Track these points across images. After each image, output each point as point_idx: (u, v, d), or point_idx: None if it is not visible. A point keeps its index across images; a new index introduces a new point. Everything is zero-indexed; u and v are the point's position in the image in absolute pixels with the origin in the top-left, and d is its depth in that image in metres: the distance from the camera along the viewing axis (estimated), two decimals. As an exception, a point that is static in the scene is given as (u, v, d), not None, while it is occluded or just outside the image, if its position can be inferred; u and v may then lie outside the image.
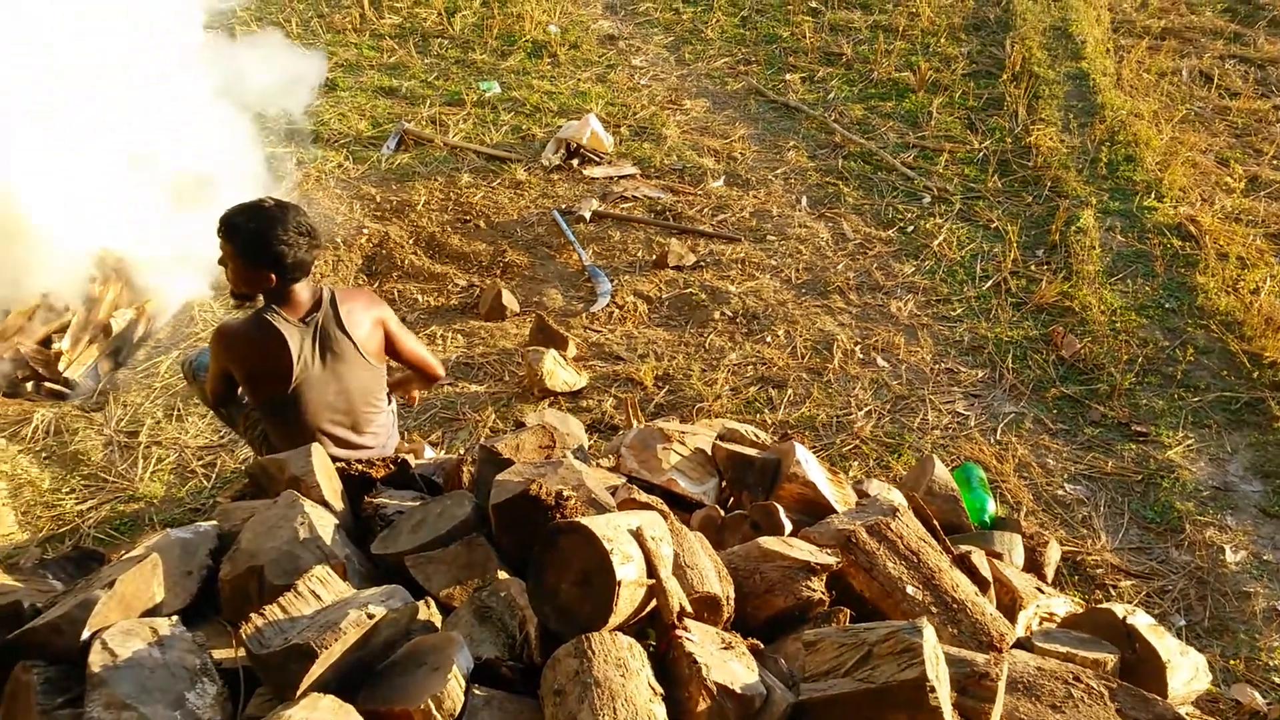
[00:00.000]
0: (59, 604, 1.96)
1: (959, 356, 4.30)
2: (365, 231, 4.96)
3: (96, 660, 1.77)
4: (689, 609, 2.00)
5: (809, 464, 2.80)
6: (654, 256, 4.87)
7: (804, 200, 5.35)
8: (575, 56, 6.70)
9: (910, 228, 5.12)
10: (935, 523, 2.64)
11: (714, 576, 2.17)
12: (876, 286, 4.71)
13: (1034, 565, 3.05)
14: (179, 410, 3.92)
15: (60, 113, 4.15)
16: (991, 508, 3.27)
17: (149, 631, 1.87)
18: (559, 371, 3.98)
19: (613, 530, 1.90)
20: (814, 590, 2.25)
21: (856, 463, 3.71)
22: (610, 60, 6.69)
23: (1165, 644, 2.49)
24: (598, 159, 5.60)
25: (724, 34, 7.07)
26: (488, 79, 6.37)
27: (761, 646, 2.12)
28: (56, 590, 2.21)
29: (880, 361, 4.24)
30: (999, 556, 2.85)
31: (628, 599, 1.87)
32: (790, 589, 2.25)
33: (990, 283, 4.72)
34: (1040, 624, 2.65)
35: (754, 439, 3.11)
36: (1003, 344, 4.34)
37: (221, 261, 2.79)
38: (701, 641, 1.95)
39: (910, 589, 2.30)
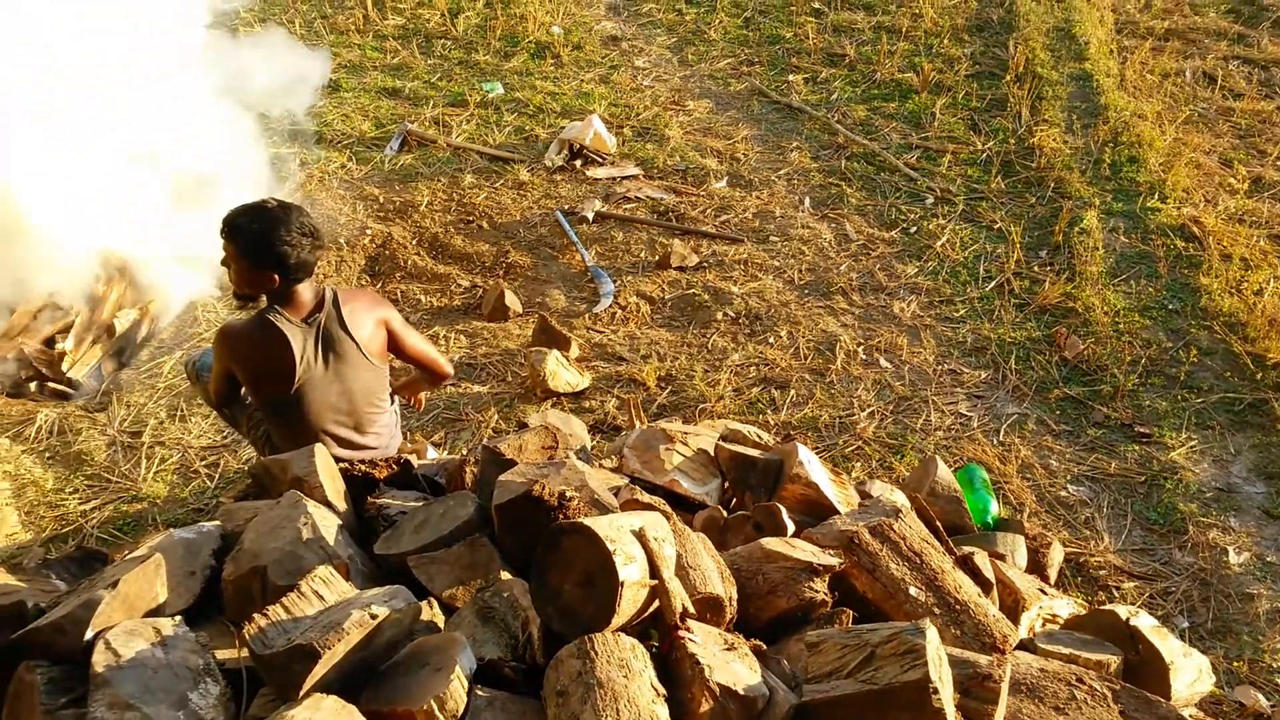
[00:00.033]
0: (62, 604, 1.96)
1: (962, 357, 4.29)
2: (368, 232, 4.96)
3: (100, 660, 1.77)
4: (692, 610, 2.00)
5: (812, 465, 2.80)
6: (657, 257, 4.87)
7: (807, 201, 5.35)
8: (578, 57, 6.71)
9: (913, 229, 5.12)
10: (938, 524, 2.64)
11: (717, 577, 2.17)
12: (879, 287, 4.71)
13: (1037, 567, 3.05)
14: (182, 410, 3.93)
15: (65, 113, 4.15)
16: (994, 509, 3.27)
17: (152, 632, 1.87)
18: (562, 372, 3.98)
19: (615, 531, 1.90)
20: (817, 591, 2.25)
21: (859, 464, 3.71)
22: (613, 61, 6.69)
23: (1168, 646, 2.49)
24: (601, 160, 5.60)
25: (727, 35, 7.07)
26: (491, 80, 6.38)
27: (764, 647, 2.12)
28: (60, 590, 2.21)
29: (883, 362, 4.24)
30: (1002, 558, 2.84)
31: (630, 600, 1.87)
32: (793, 590, 2.25)
33: (993, 284, 4.72)
34: (1043, 625, 2.64)
35: (757, 440, 3.11)
36: (1006, 345, 4.34)
37: (224, 262, 2.79)
38: (704, 642, 1.95)
39: (913, 590, 2.30)
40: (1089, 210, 5.16)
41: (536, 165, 5.57)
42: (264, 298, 2.81)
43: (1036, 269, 4.82)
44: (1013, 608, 2.58)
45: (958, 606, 2.30)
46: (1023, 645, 2.40)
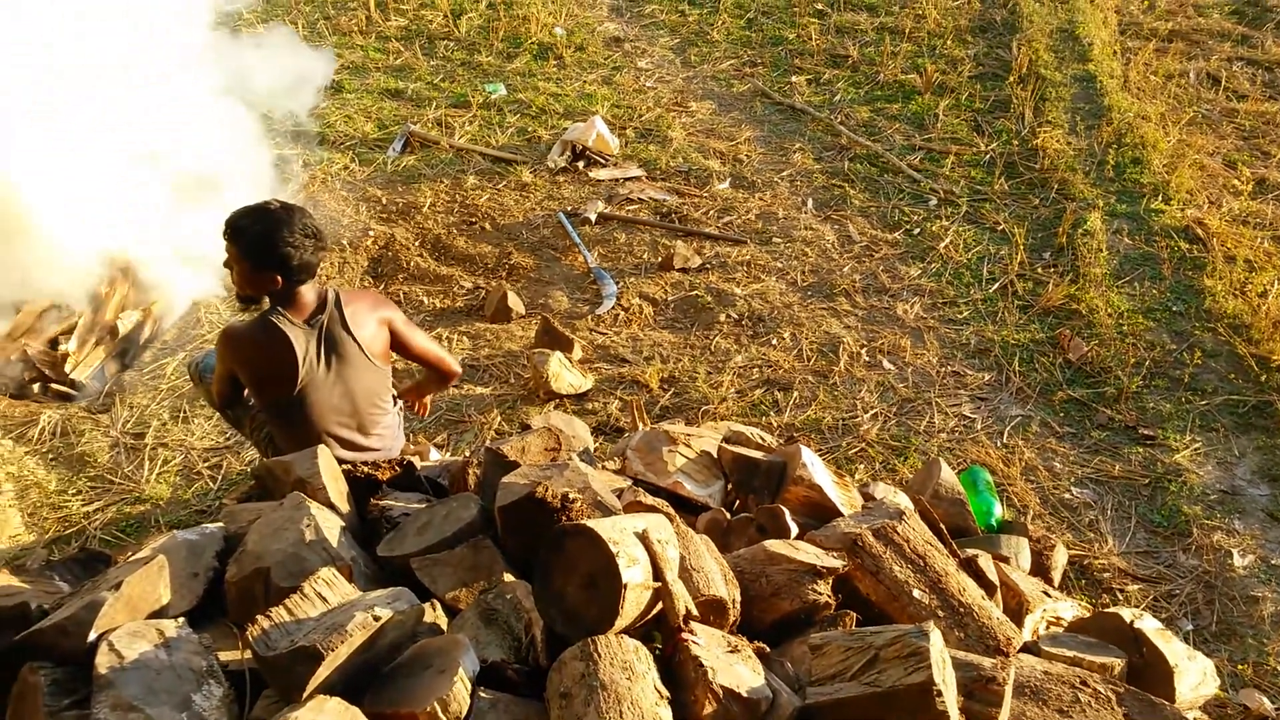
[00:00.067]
0: (66, 606, 1.96)
1: (965, 359, 4.29)
2: (371, 233, 4.97)
3: (103, 662, 1.77)
4: (695, 612, 2.00)
5: (815, 467, 2.79)
6: (659, 259, 4.87)
7: (810, 202, 5.35)
8: (581, 59, 6.71)
9: (916, 230, 5.11)
10: (942, 526, 2.63)
11: (720, 579, 2.17)
12: (882, 289, 4.71)
13: (1041, 569, 3.04)
14: (185, 412, 3.93)
15: (69, 113, 4.16)
16: (998, 511, 3.26)
17: (155, 633, 1.87)
18: (564, 374, 3.98)
19: (619, 533, 1.90)
20: (820, 593, 2.25)
21: (862, 466, 3.71)
22: (616, 62, 6.69)
23: (1173, 648, 2.48)
24: (603, 161, 5.60)
25: (730, 36, 7.07)
26: (493, 81, 6.38)
27: (767, 650, 2.12)
28: (63, 592, 2.22)
29: (886, 364, 4.24)
30: (1005, 560, 2.84)
31: (634, 602, 1.86)
32: (796, 592, 2.24)
33: (997, 285, 4.71)
34: (1047, 628, 2.64)
35: (760, 442, 3.11)
36: (1009, 347, 4.33)
37: (227, 264, 2.79)
38: (707, 645, 1.94)
39: (917, 593, 2.30)
40: (1092, 212, 5.15)
41: (539, 166, 5.57)
42: (266, 299, 2.81)
43: (1040, 271, 4.81)
44: (1016, 610, 2.57)
45: (961, 609, 2.29)
46: (1026, 648, 2.40)
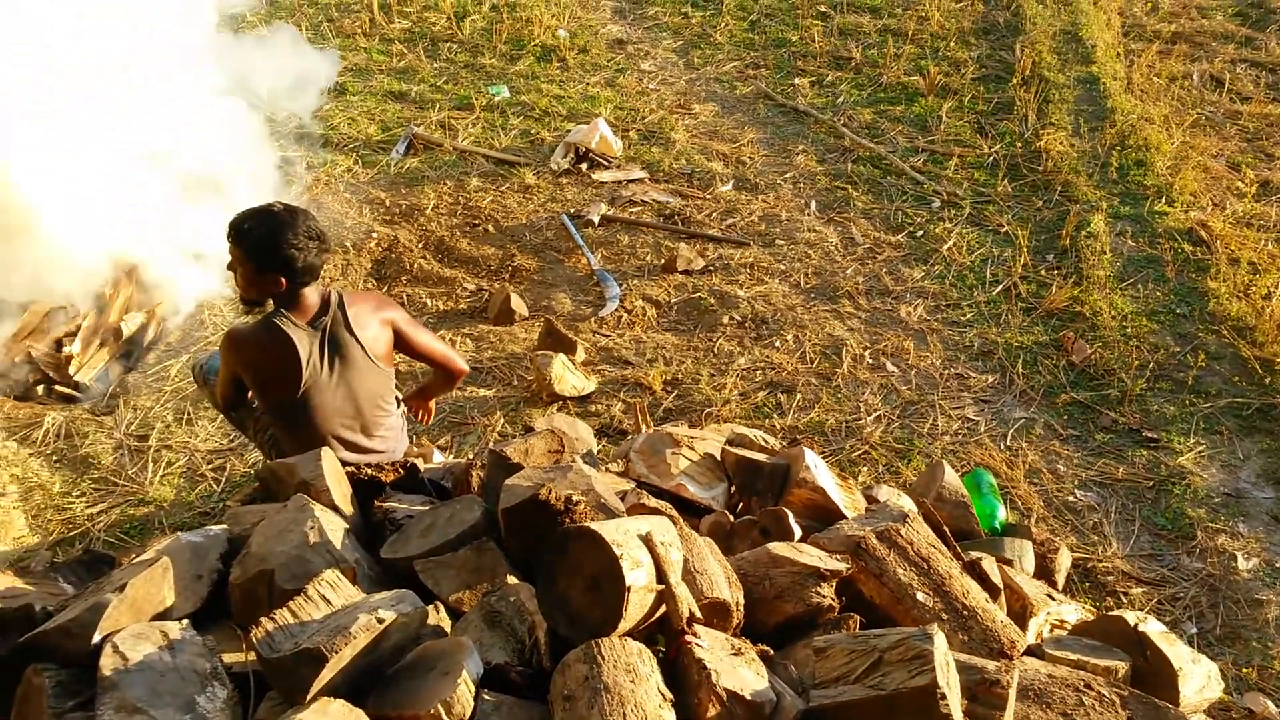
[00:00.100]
0: (70, 607, 1.97)
1: (969, 362, 4.29)
2: (374, 235, 4.97)
3: (107, 664, 1.77)
4: (698, 615, 2.00)
5: (818, 469, 2.79)
6: (662, 261, 4.87)
7: (813, 204, 5.35)
8: (584, 61, 6.72)
9: (920, 232, 5.11)
10: (945, 529, 2.63)
11: (723, 582, 2.17)
12: (886, 291, 4.70)
13: (1044, 572, 3.04)
14: (189, 414, 3.94)
15: (73, 114, 4.16)
16: (1002, 514, 3.26)
17: (159, 635, 1.87)
18: (568, 376, 3.98)
19: (622, 535, 1.90)
20: (824, 596, 2.25)
21: (866, 468, 3.71)
22: (619, 64, 6.70)
23: (1177, 652, 2.47)
24: (606, 163, 5.60)
25: (733, 38, 7.07)
26: (496, 83, 6.39)
27: (771, 653, 2.11)
28: (67, 594, 2.22)
29: (890, 366, 4.23)
30: (1009, 563, 2.84)
31: (637, 604, 1.86)
32: (800, 595, 2.24)
33: (1000, 288, 4.71)
34: (1051, 631, 2.64)
35: (763, 444, 3.11)
36: (1013, 349, 4.33)
37: (230, 266, 2.80)
38: (711, 647, 1.94)
39: (920, 595, 2.29)
40: (1096, 214, 5.15)
41: (542, 168, 5.57)
42: (270, 301, 2.81)
43: (1043, 273, 4.81)
44: (1020, 613, 2.57)
45: (965, 612, 2.29)
46: (1030, 651, 2.39)
